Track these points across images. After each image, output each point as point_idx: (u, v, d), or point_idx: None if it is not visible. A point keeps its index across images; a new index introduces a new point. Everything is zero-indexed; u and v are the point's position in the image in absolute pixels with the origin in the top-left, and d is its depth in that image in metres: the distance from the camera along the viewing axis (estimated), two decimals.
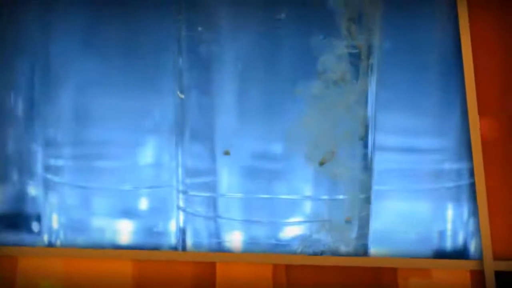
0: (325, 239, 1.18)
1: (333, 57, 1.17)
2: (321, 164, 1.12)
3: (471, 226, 1.19)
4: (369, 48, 1.19)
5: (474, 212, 1.16)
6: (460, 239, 1.20)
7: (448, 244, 1.21)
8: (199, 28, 1.20)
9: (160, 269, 1.18)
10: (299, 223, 1.19)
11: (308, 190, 1.18)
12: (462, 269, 1.12)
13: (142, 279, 1.18)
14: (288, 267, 1.16)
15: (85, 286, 1.18)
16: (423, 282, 1.13)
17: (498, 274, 1.10)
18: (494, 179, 1.13)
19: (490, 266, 1.10)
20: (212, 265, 1.17)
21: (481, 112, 1.14)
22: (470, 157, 1.17)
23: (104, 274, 1.18)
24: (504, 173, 1.13)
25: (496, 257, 1.11)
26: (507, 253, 1.11)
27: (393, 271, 1.14)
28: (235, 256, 1.17)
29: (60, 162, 1.24)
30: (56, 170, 1.24)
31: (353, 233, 1.19)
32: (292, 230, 1.19)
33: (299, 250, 1.18)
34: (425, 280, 1.13)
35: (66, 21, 1.23)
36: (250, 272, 1.17)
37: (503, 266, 1.10)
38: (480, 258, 1.12)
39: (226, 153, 1.14)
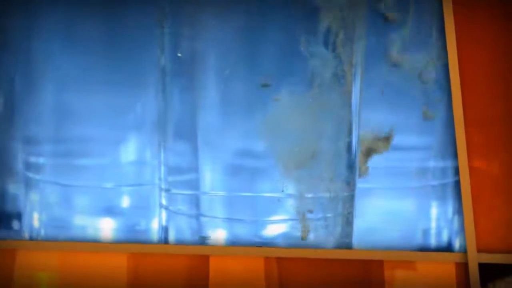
0: (309, 236, 1.19)
1: (317, 56, 1.17)
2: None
3: (455, 224, 1.19)
4: (353, 48, 1.19)
5: (459, 209, 1.17)
6: (445, 237, 1.20)
7: (433, 242, 1.21)
8: (182, 25, 1.19)
9: (155, 262, 1.19)
10: (282, 221, 1.19)
11: (291, 188, 1.18)
12: (447, 261, 1.15)
13: (137, 271, 1.19)
14: (279, 260, 1.17)
15: (81, 278, 1.19)
16: (408, 274, 1.16)
17: (481, 266, 1.14)
18: (478, 176, 1.15)
19: (474, 258, 1.14)
20: (206, 258, 1.18)
21: (466, 111, 1.16)
22: (454, 155, 1.18)
23: (99, 266, 1.19)
24: (487, 170, 1.16)
25: (480, 250, 1.14)
26: (490, 246, 1.14)
27: (380, 263, 1.16)
28: (228, 250, 1.17)
29: (41, 160, 1.23)
30: (36, 168, 1.24)
31: (337, 231, 1.19)
32: (275, 228, 1.19)
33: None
34: (411, 272, 1.16)
35: (48, 18, 1.23)
36: (242, 264, 1.18)
37: (486, 258, 1.14)
38: (464, 251, 1.15)
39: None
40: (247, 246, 1.17)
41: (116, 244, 1.20)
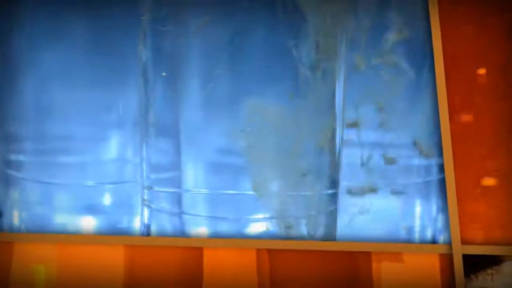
0: (292, 234, 1.19)
1: (302, 55, 1.18)
2: None
3: (439, 222, 1.20)
4: (337, 47, 1.19)
5: (443, 206, 1.19)
6: (428, 235, 1.21)
7: (416, 239, 1.22)
8: (166, 23, 1.19)
9: (151, 254, 1.19)
10: (265, 219, 1.19)
11: (274, 186, 1.19)
12: (432, 253, 1.17)
13: (134, 263, 1.20)
14: (270, 252, 1.18)
15: (78, 270, 1.20)
16: (395, 266, 1.18)
17: (465, 258, 1.17)
18: (462, 171, 1.18)
19: (458, 250, 1.17)
20: (199, 250, 1.19)
21: (451, 109, 1.18)
22: (439, 153, 1.19)
23: (96, 258, 1.19)
24: (469, 164, 1.18)
25: (464, 242, 1.17)
26: (473, 238, 1.17)
27: (367, 256, 1.18)
28: (222, 242, 1.18)
29: (21, 157, 1.23)
30: (17, 166, 1.23)
31: (320, 229, 1.20)
32: (258, 226, 1.19)
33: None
34: (398, 263, 1.18)
35: (29, 14, 1.22)
36: (234, 256, 1.18)
37: (470, 250, 1.17)
38: (449, 242, 1.18)
39: None
40: (240, 239, 1.18)
41: (112, 236, 1.20)
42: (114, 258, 1.19)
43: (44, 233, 1.20)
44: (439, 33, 1.18)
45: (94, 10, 1.22)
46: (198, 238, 1.18)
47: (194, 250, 1.18)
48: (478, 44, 1.19)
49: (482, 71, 1.19)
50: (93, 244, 1.19)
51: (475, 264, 1.17)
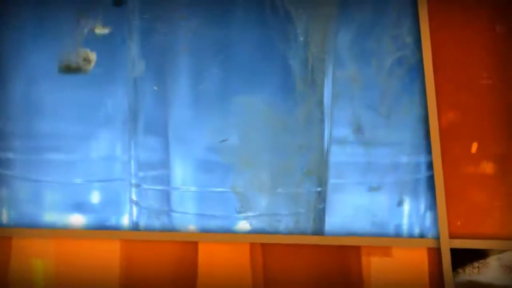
0: (281, 231, 1.19)
1: (290, 52, 1.18)
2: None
3: (428, 217, 1.21)
4: (325, 44, 1.19)
5: (432, 202, 1.19)
6: (417, 230, 1.21)
7: (405, 234, 1.22)
8: (154, 20, 1.19)
9: (146, 248, 1.20)
10: (253, 216, 1.19)
11: (263, 184, 1.19)
12: (421, 247, 1.19)
13: (129, 258, 1.21)
14: (263, 246, 1.19)
15: (75, 264, 1.21)
16: (384, 260, 1.19)
17: (453, 251, 1.19)
18: (450, 167, 1.18)
19: (446, 244, 1.18)
20: (195, 244, 1.20)
21: (440, 106, 1.18)
22: (427, 150, 1.19)
23: (93, 252, 1.21)
24: (456, 161, 1.19)
25: (452, 236, 1.19)
26: (460, 233, 1.19)
27: (357, 250, 1.19)
28: (217, 236, 1.19)
29: (10, 155, 1.22)
30: (5, 163, 1.23)
31: (309, 226, 1.20)
32: (246, 223, 1.20)
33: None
34: (387, 257, 1.19)
35: (17, 11, 1.22)
36: (228, 250, 1.20)
37: (457, 244, 1.18)
38: (436, 237, 1.20)
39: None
40: (234, 233, 1.19)
41: (109, 231, 1.21)
42: (110, 252, 1.20)
43: (42, 228, 1.21)
44: (428, 33, 1.18)
45: (79, 7, 1.22)
46: (194, 232, 1.19)
47: (189, 244, 1.19)
48: (464, 43, 1.19)
49: (471, 70, 1.20)
50: (90, 238, 1.20)
51: (463, 257, 1.18)
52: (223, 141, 1.15)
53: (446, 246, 1.18)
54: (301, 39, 1.17)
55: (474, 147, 1.19)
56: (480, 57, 1.19)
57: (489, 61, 1.19)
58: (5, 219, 1.23)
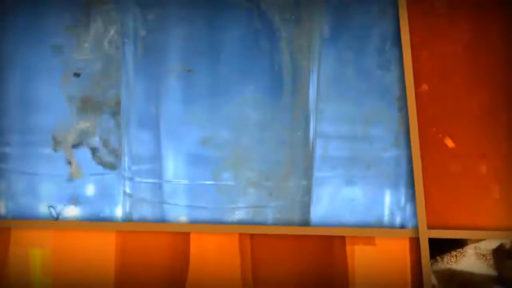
0: (268, 222, 1.20)
1: (277, 49, 1.19)
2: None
3: (408, 209, 1.22)
4: (311, 41, 1.19)
5: (412, 196, 1.21)
6: (398, 221, 1.22)
7: (387, 225, 1.23)
8: (146, 13, 1.20)
9: (141, 239, 1.21)
10: (243, 208, 1.20)
11: (252, 177, 1.20)
12: (401, 237, 1.21)
13: (124, 248, 1.21)
14: (252, 236, 1.20)
15: (72, 253, 1.22)
16: (368, 248, 1.21)
17: (431, 241, 1.20)
18: (428, 161, 1.20)
19: (425, 234, 1.20)
20: (186, 235, 1.21)
21: (418, 103, 1.20)
22: (407, 145, 1.21)
23: (89, 243, 1.21)
24: (435, 155, 1.21)
25: (430, 226, 1.20)
26: (438, 223, 1.20)
27: (342, 240, 1.21)
28: (207, 227, 1.20)
29: (6, 149, 1.23)
30: (2, 157, 1.23)
31: (295, 218, 1.21)
32: (235, 215, 1.21)
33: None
34: (370, 246, 1.21)
35: (13, 9, 1.22)
36: (219, 241, 1.21)
37: (435, 234, 1.20)
38: (416, 227, 1.21)
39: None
40: (224, 224, 1.20)
41: (105, 222, 1.22)
42: (106, 242, 1.21)
43: (40, 220, 1.22)
44: (407, 26, 1.20)
45: (73, 4, 1.22)
46: (186, 223, 1.20)
47: (181, 235, 1.20)
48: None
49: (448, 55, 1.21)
50: (86, 229, 1.21)
51: (442, 247, 1.20)
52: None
53: (424, 236, 1.20)
54: (287, 39, 1.19)
55: (451, 142, 1.20)
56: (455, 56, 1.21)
57: (464, 58, 1.21)
58: (3, 211, 1.23)
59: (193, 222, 1.20)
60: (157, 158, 1.21)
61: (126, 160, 1.22)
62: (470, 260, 1.21)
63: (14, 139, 1.23)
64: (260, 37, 1.19)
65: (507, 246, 1.20)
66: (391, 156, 1.22)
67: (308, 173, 1.21)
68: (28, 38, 1.22)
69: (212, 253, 1.21)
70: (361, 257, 1.21)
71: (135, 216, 1.22)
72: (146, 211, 1.21)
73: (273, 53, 1.19)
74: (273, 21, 1.19)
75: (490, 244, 1.20)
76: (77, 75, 1.20)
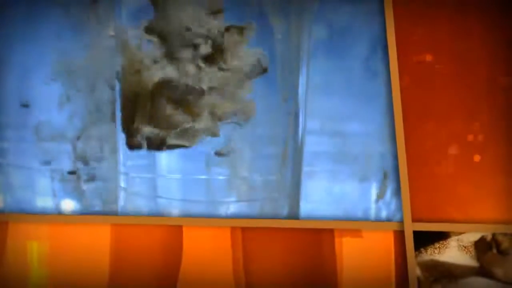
0: (259, 215, 1.21)
1: (265, 45, 1.20)
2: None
3: (394, 203, 1.23)
4: (300, 38, 1.20)
5: (397, 190, 1.22)
6: (384, 214, 1.23)
7: (373, 218, 1.23)
8: (135, 18, 1.21)
9: (135, 231, 1.22)
10: (234, 201, 1.21)
11: (243, 171, 1.21)
12: (387, 229, 1.22)
13: (119, 241, 1.22)
14: (244, 230, 1.21)
15: (68, 246, 1.22)
16: (355, 241, 1.23)
17: (416, 234, 1.22)
18: (413, 157, 1.22)
19: (409, 227, 1.22)
20: (179, 228, 1.21)
21: (404, 100, 1.21)
22: (393, 141, 1.22)
23: (85, 236, 1.22)
24: (420, 151, 1.22)
25: (414, 220, 1.22)
26: (422, 217, 1.22)
27: (330, 232, 1.22)
28: (200, 220, 1.20)
29: (4, 144, 1.23)
30: (0, 152, 1.24)
31: (284, 211, 1.22)
32: (227, 208, 1.21)
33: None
34: (357, 239, 1.23)
35: (10, 5, 1.23)
36: (211, 234, 1.21)
37: (419, 227, 1.22)
38: (401, 220, 1.23)
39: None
40: (216, 218, 1.21)
41: (100, 216, 1.22)
42: (101, 235, 1.22)
43: (37, 214, 1.23)
44: (393, 27, 1.21)
45: (71, 4, 1.23)
46: (179, 217, 1.21)
47: (174, 228, 1.21)
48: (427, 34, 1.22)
49: (429, 57, 1.22)
50: (82, 222, 1.22)
51: (426, 239, 1.22)
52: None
53: (409, 229, 1.21)
54: (279, 37, 1.20)
55: (438, 137, 1.21)
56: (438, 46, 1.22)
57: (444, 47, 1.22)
58: (1, 204, 1.23)
59: (186, 215, 1.21)
60: (151, 154, 1.21)
61: (121, 154, 1.22)
62: (453, 252, 1.22)
63: (11, 134, 1.23)
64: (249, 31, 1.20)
65: (488, 238, 1.21)
66: (377, 151, 1.22)
67: (297, 167, 1.22)
68: (26, 33, 1.22)
69: (204, 245, 1.21)
70: (348, 248, 1.22)
71: (130, 209, 1.23)
72: (140, 204, 1.22)
73: (264, 53, 1.20)
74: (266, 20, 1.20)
75: (471, 237, 1.21)
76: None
